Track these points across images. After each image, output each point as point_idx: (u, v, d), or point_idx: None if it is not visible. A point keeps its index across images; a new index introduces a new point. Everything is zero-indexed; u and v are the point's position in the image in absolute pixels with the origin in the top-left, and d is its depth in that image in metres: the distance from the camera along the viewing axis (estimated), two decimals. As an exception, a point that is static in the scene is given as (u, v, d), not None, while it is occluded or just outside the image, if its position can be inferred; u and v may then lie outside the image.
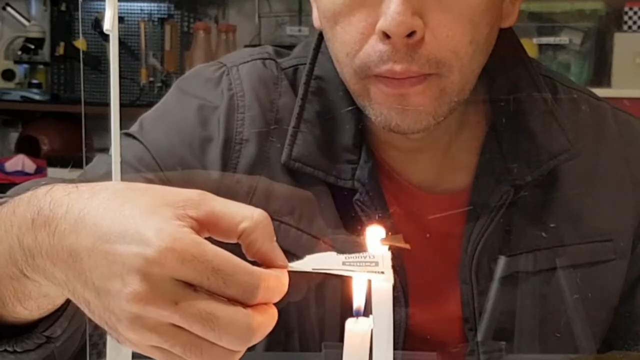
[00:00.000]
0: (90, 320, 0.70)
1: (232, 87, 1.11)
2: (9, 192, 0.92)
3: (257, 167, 1.08)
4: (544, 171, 1.08)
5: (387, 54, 0.97)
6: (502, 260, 1.08)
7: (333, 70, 1.06)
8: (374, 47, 0.98)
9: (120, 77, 0.69)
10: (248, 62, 1.14)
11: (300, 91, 1.10)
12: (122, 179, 0.73)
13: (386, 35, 0.96)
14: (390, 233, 0.75)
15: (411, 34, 0.96)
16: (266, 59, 1.14)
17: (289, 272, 0.69)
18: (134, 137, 1.09)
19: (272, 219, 1.03)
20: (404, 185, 1.11)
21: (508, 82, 1.10)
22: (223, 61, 1.16)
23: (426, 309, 1.09)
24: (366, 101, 1.02)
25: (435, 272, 1.11)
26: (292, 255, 1.02)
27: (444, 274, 1.10)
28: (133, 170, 1.05)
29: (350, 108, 1.07)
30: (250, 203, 1.04)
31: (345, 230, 1.05)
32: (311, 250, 1.01)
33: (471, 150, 1.11)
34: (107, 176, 0.78)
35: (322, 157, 1.07)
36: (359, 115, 1.07)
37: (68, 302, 0.79)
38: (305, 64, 1.12)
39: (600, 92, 1.24)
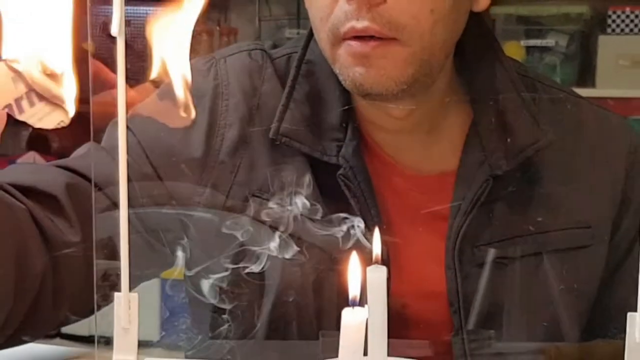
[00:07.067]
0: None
1: (218, 77, 1.14)
2: None
3: (240, 149, 1.11)
4: (519, 160, 1.09)
5: (351, 13, 1.00)
6: (484, 247, 1.09)
7: (322, 55, 1.08)
8: (342, 8, 1.01)
9: (127, 77, 0.69)
10: (235, 54, 1.18)
11: (292, 73, 1.13)
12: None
13: None
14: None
15: None
16: (252, 49, 1.18)
17: None
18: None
19: (254, 196, 1.05)
20: (389, 163, 1.13)
21: (487, 80, 1.12)
22: (214, 54, 1.19)
23: (410, 287, 1.10)
24: (337, 66, 1.05)
25: (419, 249, 1.12)
26: (275, 229, 1.04)
27: (428, 252, 1.11)
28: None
29: (337, 89, 1.09)
30: (233, 181, 1.10)
31: (325, 206, 1.06)
32: (292, 225, 1.04)
33: (456, 143, 1.13)
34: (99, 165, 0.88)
35: (309, 134, 1.09)
36: (346, 96, 1.09)
37: None
38: (297, 52, 1.15)
39: (584, 92, 1.25)
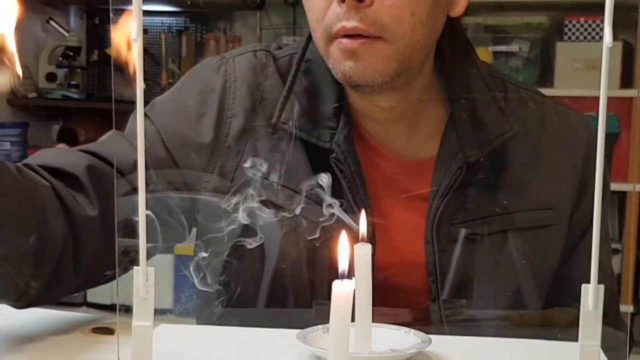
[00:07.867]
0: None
1: (227, 74, 1.15)
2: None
3: (244, 135, 1.11)
4: (489, 149, 1.10)
5: (342, 14, 1.01)
6: (458, 225, 1.09)
7: (319, 54, 1.09)
8: (334, 10, 1.02)
9: (145, 79, 0.69)
10: (242, 54, 1.18)
11: (293, 70, 1.13)
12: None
13: (342, 0, 1.00)
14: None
15: (361, 0, 1.00)
16: (258, 50, 1.18)
17: None
18: (145, 115, 1.11)
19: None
20: (377, 149, 1.13)
21: (462, 80, 1.12)
22: (225, 54, 1.20)
23: (394, 259, 1.10)
24: (330, 61, 1.05)
25: (402, 225, 1.12)
26: (274, 205, 1.04)
27: (410, 228, 1.11)
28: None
29: (332, 84, 1.10)
30: (238, 164, 1.10)
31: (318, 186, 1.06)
32: (289, 201, 1.05)
33: (435, 134, 1.13)
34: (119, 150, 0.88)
35: (306, 122, 1.10)
36: (340, 90, 1.10)
37: None
38: (298, 52, 1.15)
39: (544, 91, 1.25)
